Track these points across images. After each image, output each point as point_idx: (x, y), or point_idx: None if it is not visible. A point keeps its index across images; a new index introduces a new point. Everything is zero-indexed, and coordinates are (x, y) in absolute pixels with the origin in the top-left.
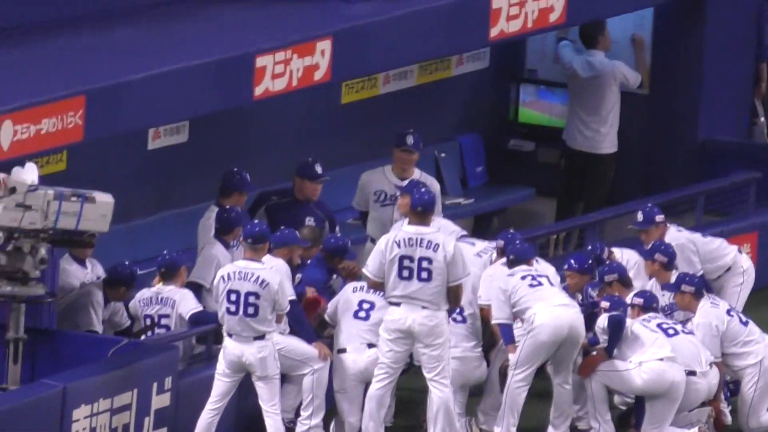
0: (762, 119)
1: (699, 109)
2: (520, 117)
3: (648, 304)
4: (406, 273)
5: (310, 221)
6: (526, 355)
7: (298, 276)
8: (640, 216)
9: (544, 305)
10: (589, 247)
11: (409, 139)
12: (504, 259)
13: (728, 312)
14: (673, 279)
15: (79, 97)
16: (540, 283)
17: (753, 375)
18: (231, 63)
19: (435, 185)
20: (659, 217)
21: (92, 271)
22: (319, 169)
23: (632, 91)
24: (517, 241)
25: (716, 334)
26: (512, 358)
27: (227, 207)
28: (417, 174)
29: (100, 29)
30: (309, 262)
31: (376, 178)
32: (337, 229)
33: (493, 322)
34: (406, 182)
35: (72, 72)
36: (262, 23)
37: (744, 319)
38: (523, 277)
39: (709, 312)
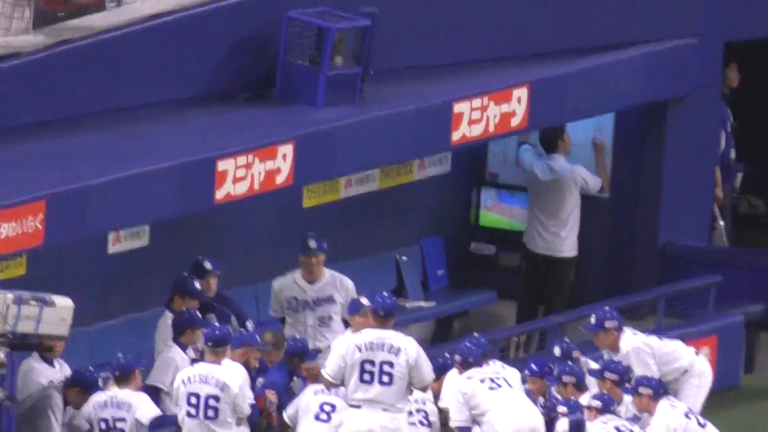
0: (722, 223)
1: (660, 213)
2: (481, 220)
3: (606, 406)
4: (367, 377)
5: (211, 318)
6: None
7: (260, 380)
8: (593, 319)
9: (504, 409)
10: (564, 343)
11: (311, 243)
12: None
13: (686, 414)
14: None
15: (40, 202)
16: (499, 386)
17: None
18: (193, 167)
19: (349, 284)
20: (609, 323)
21: (60, 371)
22: (208, 265)
23: (594, 195)
24: (468, 344)
25: None
26: None
27: (182, 310)
28: (327, 275)
29: (65, 134)
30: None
31: (286, 285)
32: (248, 323)
33: (452, 424)
34: (316, 286)
35: (34, 176)
36: (227, 126)
37: (702, 421)
38: (482, 380)
39: (668, 414)
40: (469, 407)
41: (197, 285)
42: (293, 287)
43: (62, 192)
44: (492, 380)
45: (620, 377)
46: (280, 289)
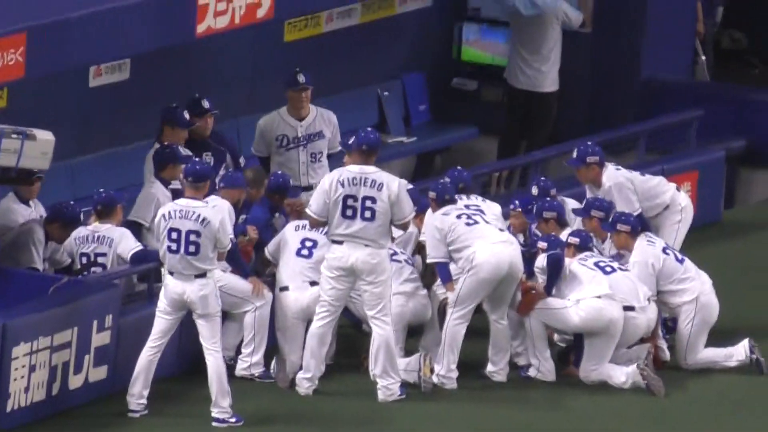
0: (703, 58)
1: (642, 47)
2: (463, 56)
3: (584, 243)
4: (349, 212)
5: (207, 157)
6: (466, 293)
7: (242, 216)
8: (574, 154)
9: (484, 243)
10: (541, 180)
11: (301, 77)
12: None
13: (664, 250)
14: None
15: (20, 34)
16: (476, 222)
17: (689, 312)
18: (173, 0)
19: (334, 117)
20: (591, 158)
21: (36, 211)
22: (206, 104)
23: (575, 30)
24: (443, 180)
25: (652, 272)
26: (451, 296)
27: (164, 144)
28: (313, 111)
29: None
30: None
31: (275, 123)
32: (242, 159)
33: (429, 261)
34: (305, 122)
35: (13, 9)
36: None
37: (680, 256)
38: (459, 216)
39: (646, 250)
40: (446, 243)
41: (186, 115)
42: (282, 125)
43: (42, 24)
44: (468, 216)
45: (606, 214)
46: (267, 128)
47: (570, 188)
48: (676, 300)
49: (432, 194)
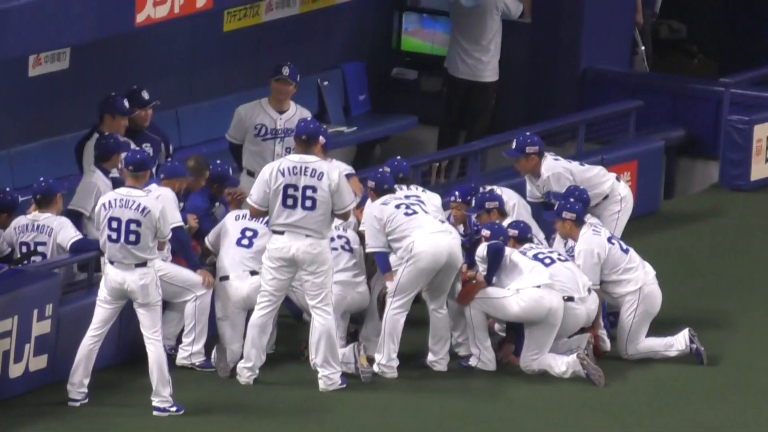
0: (642, 48)
1: (581, 38)
2: (402, 45)
3: (523, 235)
4: (290, 202)
5: (147, 148)
6: (405, 282)
7: (181, 204)
8: (513, 144)
9: (422, 233)
10: (472, 184)
11: (285, 70)
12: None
13: (609, 240)
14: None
15: None
16: (415, 212)
17: (632, 302)
18: None
19: (309, 115)
20: (530, 148)
21: None
22: (146, 95)
23: (515, 20)
24: (381, 170)
25: (597, 261)
26: (390, 285)
27: (105, 133)
28: (293, 107)
29: None
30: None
31: (255, 111)
32: (171, 148)
33: (368, 251)
34: (285, 116)
35: None
36: None
37: (625, 246)
38: (398, 206)
39: (591, 239)
40: (385, 233)
41: (126, 103)
42: (262, 115)
43: None
44: (407, 206)
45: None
46: (246, 115)
47: (509, 179)
48: (620, 290)
49: (371, 183)
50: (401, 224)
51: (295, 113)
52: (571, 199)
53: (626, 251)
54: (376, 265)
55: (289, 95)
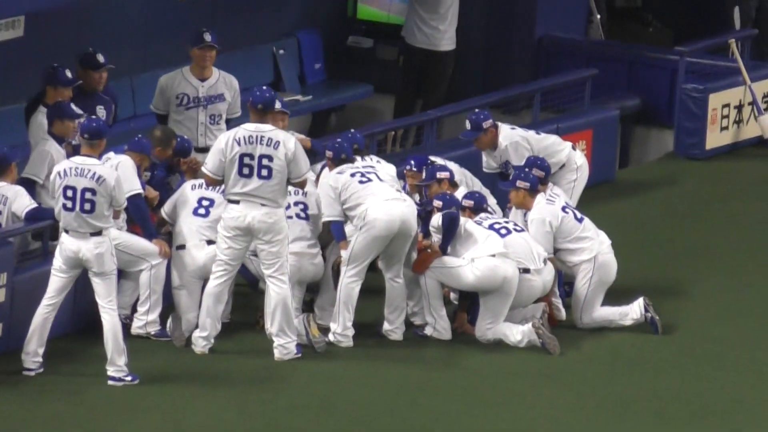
0: (598, 17)
1: (537, 6)
2: (358, 14)
3: (478, 205)
4: (246, 171)
5: (100, 110)
6: (359, 250)
7: (147, 174)
8: (468, 125)
9: (376, 200)
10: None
11: (207, 36)
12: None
13: (563, 208)
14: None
15: None
16: (369, 180)
17: (587, 271)
18: None
19: (235, 82)
20: (486, 123)
21: None
22: (101, 58)
23: None
24: (339, 139)
25: (549, 230)
26: (344, 254)
27: (57, 102)
28: (216, 73)
29: None
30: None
31: (176, 81)
32: (117, 110)
33: (324, 219)
34: (207, 83)
35: None
36: None
37: (579, 215)
38: (353, 174)
39: (544, 208)
40: (340, 202)
41: (68, 73)
42: (184, 84)
43: None
44: (362, 174)
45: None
46: (167, 85)
47: (466, 147)
48: (574, 258)
49: (329, 153)
50: (355, 192)
51: (218, 79)
52: (526, 169)
53: (580, 220)
54: (331, 234)
55: (210, 61)
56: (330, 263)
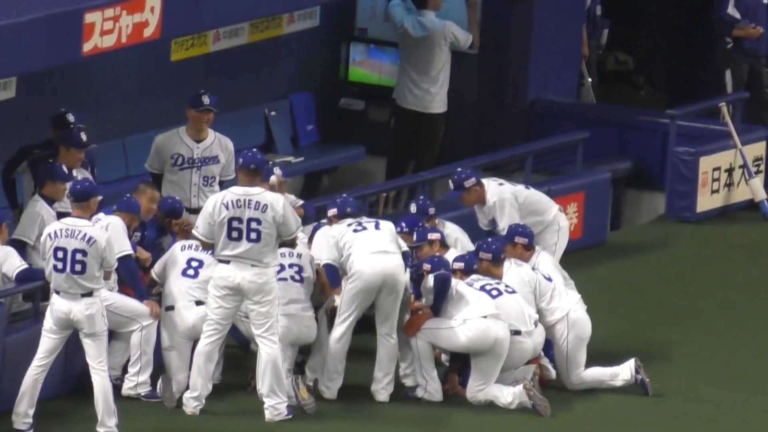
0: (589, 80)
1: (529, 69)
2: (350, 76)
3: (468, 267)
4: (235, 234)
5: (81, 172)
6: (345, 302)
7: (138, 234)
8: (451, 185)
9: (362, 251)
10: (420, 198)
11: (206, 99)
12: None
13: (532, 269)
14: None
15: None
16: (365, 228)
17: (562, 330)
18: (60, 19)
19: (231, 145)
20: (468, 182)
21: None
22: (71, 117)
23: (463, 51)
24: (341, 198)
25: (530, 289)
26: (338, 300)
27: (49, 163)
28: (212, 135)
29: None
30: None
31: (172, 141)
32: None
33: (323, 262)
34: (202, 145)
35: None
36: None
37: (546, 274)
38: (349, 224)
39: (518, 272)
40: (339, 248)
41: (84, 136)
42: (179, 144)
43: None
44: (359, 223)
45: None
46: (164, 145)
47: (458, 209)
48: (549, 319)
49: (332, 211)
50: (348, 241)
51: (214, 141)
52: (490, 240)
53: (549, 279)
54: (323, 295)
55: (208, 124)
56: (323, 325)
